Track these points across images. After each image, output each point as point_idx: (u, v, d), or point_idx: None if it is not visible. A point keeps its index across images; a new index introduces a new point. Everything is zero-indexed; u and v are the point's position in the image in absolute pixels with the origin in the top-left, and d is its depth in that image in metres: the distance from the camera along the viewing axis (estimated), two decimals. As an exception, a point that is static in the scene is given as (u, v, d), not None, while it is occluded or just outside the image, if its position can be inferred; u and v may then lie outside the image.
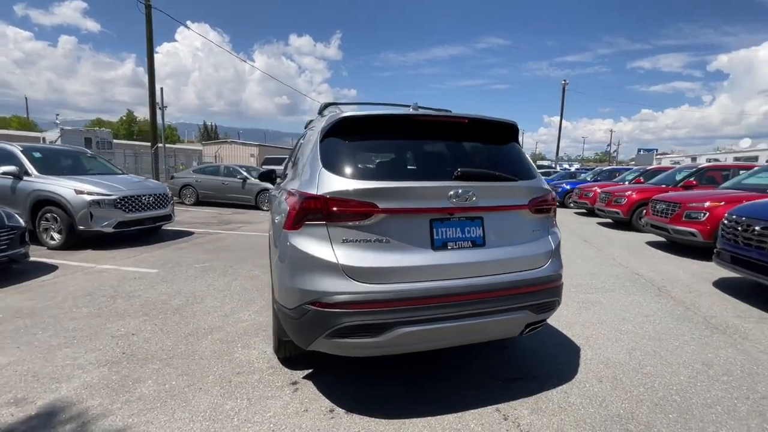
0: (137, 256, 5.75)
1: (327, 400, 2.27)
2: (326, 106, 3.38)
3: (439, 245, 2.05)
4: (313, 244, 1.98)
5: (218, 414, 2.12)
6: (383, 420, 2.09)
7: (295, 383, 2.45)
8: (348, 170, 2.04)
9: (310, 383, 2.45)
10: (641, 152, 52.48)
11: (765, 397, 2.35)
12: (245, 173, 12.40)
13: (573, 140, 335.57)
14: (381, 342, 1.95)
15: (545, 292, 2.23)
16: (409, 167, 2.23)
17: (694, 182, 8.93)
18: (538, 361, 2.76)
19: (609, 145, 57.97)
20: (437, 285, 1.99)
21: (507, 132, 2.43)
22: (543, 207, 2.32)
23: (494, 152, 2.39)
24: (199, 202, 12.71)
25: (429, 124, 2.25)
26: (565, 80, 30.82)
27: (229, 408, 2.17)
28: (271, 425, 2.04)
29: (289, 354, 2.57)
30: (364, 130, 2.20)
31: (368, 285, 1.93)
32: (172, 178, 13.40)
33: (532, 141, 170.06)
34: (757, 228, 3.89)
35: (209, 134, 76.92)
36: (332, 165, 2.06)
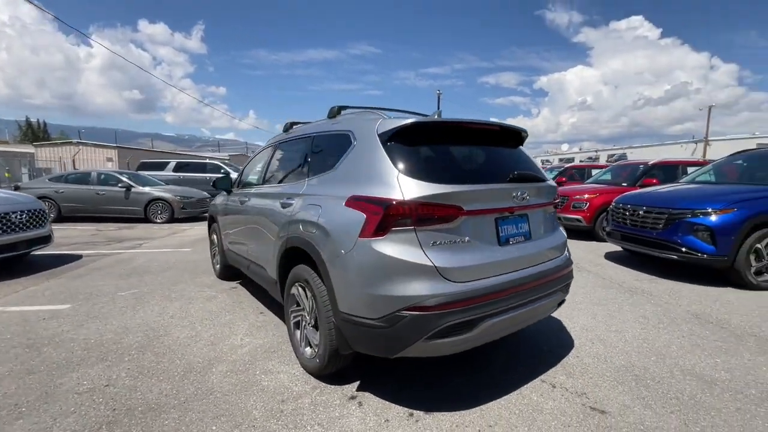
0: (23, 290, 4.45)
1: (398, 406, 2.25)
2: (291, 125, 3.53)
3: (504, 241, 2.26)
4: (404, 250, 1.97)
5: (299, 446, 1.92)
6: (465, 411, 2.19)
7: (353, 397, 2.35)
8: (428, 175, 2.07)
9: (368, 394, 2.38)
10: None
11: (688, 324, 3.21)
12: (128, 180, 10.47)
13: None
14: (471, 337, 2.06)
15: (569, 274, 2.64)
16: (473, 170, 2.37)
17: (564, 179, 11.11)
18: (544, 338, 3.20)
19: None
20: (508, 277, 2.19)
21: (520, 138, 2.78)
22: (557, 203, 2.74)
23: (515, 156, 2.70)
24: (62, 218, 10.23)
25: (474, 131, 2.43)
26: (439, 90, 34.23)
27: (306, 437, 1.99)
28: (364, 443, 1.95)
29: (337, 368, 2.44)
30: (428, 136, 2.25)
31: (461, 284, 2.01)
32: (17, 188, 10.44)
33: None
34: (640, 212, 5.16)
35: (35, 133, 61.29)
36: (410, 170, 2.07)
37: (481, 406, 2.24)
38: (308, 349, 2.61)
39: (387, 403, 2.29)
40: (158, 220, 10.24)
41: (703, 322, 3.47)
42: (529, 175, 2.45)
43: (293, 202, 2.73)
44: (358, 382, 2.50)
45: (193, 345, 3.07)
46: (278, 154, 3.52)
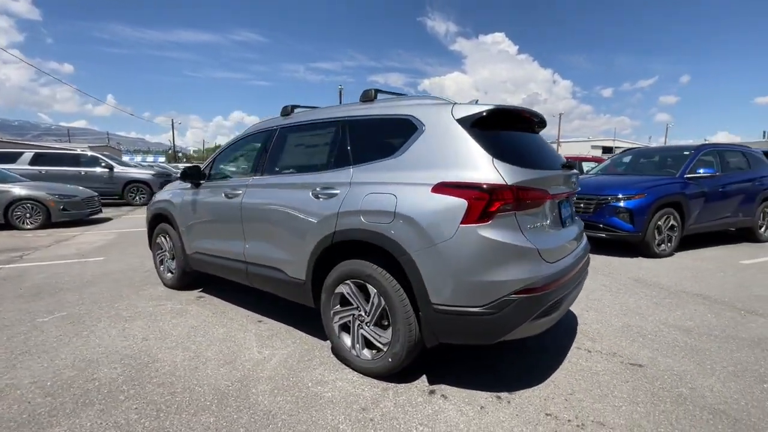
0: None
1: (481, 392, 2.26)
2: (293, 108, 3.25)
3: (564, 224, 2.43)
4: (509, 234, 1.98)
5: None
6: (540, 386, 2.31)
7: (432, 391, 2.27)
8: (515, 160, 2.10)
9: (443, 386, 2.32)
10: None
11: (637, 288, 3.93)
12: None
13: None
14: (555, 316, 2.18)
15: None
16: (539, 156, 2.43)
17: None
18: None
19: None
20: (573, 257, 2.38)
21: (543, 127, 2.97)
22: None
23: (546, 143, 2.89)
24: None
25: (528, 120, 2.53)
26: (341, 86, 34.16)
27: (418, 440, 1.86)
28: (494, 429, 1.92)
29: (407, 364, 2.31)
30: (502, 122, 2.26)
31: (553, 265, 2.11)
32: None
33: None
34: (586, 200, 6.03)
35: None
36: (501, 155, 2.07)
37: (550, 380, 2.39)
38: (366, 351, 2.42)
39: (468, 390, 2.27)
40: (27, 226, 8.04)
41: (645, 285, 4.27)
42: (571, 163, 2.69)
43: (338, 191, 2.46)
44: (423, 376, 2.42)
45: (203, 367, 2.56)
46: (287, 140, 3.11)
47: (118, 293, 4.06)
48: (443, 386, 2.32)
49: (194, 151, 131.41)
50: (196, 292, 4.09)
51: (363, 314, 2.41)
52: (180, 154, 66.72)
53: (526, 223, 2.06)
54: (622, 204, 5.42)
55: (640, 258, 5.51)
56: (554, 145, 49.92)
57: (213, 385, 2.35)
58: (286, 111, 3.21)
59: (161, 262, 4.31)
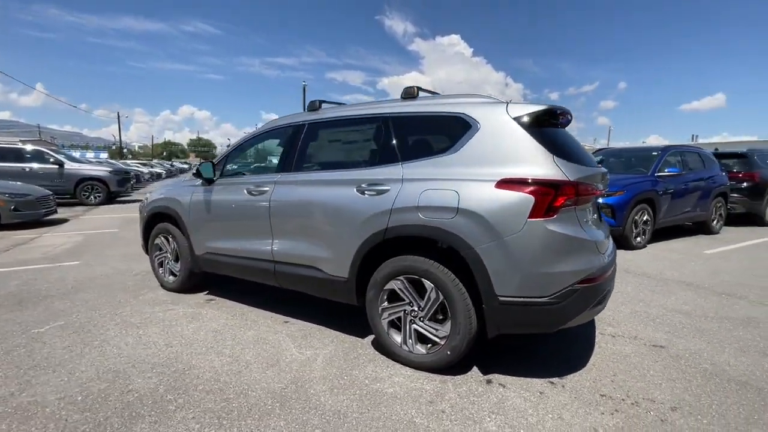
0: None
1: (535, 379, 2.36)
2: (320, 103, 3.18)
3: (600, 219, 2.60)
4: (571, 227, 2.09)
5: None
6: (583, 371, 2.47)
7: (490, 381, 2.34)
8: (569, 156, 2.22)
9: (497, 375, 2.40)
10: None
11: (628, 277, 4.27)
12: None
13: None
14: (605, 304, 2.33)
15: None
16: (582, 154, 2.55)
17: None
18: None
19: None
20: (612, 249, 2.55)
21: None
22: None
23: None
24: None
25: (564, 118, 2.65)
26: (304, 82, 33.39)
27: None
28: (560, 420, 2.02)
29: (460, 358, 2.36)
30: (551, 121, 2.37)
31: (604, 255, 2.26)
32: None
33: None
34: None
35: None
36: (558, 152, 2.18)
37: (591, 365, 2.55)
38: (420, 346, 2.44)
39: (522, 378, 2.37)
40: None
41: (635, 275, 4.63)
42: (600, 160, 2.87)
43: (388, 188, 2.46)
44: (474, 368, 2.49)
45: (247, 371, 2.46)
46: (319, 136, 3.03)
47: (114, 299, 3.76)
48: (497, 375, 2.40)
49: (140, 147, 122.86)
50: (202, 295, 3.88)
51: (416, 309, 2.43)
52: (125, 150, 62.01)
53: (582, 216, 2.20)
54: (606, 200, 5.83)
55: (620, 250, 5.95)
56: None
57: (266, 389, 2.26)
58: (314, 106, 3.14)
59: (160, 264, 4.04)
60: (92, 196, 12.01)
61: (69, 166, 11.84)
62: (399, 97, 2.80)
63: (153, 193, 4.20)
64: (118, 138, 51.05)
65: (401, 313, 2.50)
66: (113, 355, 2.65)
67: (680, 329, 3.10)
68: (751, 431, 1.91)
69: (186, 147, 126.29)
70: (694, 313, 3.44)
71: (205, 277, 3.96)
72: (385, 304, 2.55)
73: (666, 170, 6.43)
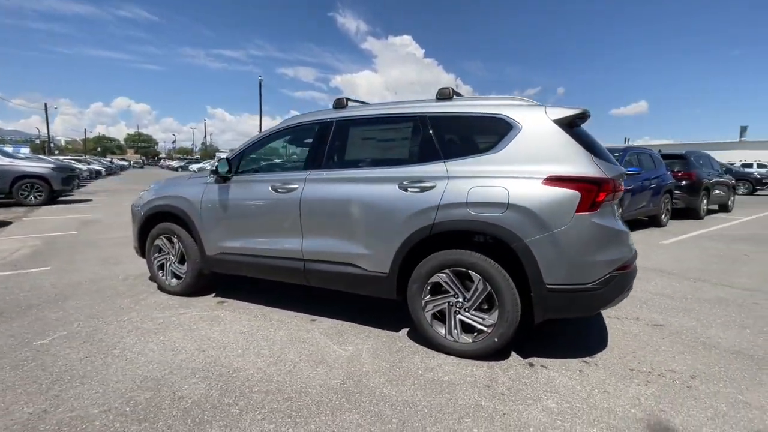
0: None
1: (571, 359, 2.58)
2: (347, 101, 3.19)
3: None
4: (611, 220, 2.33)
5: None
6: (605, 352, 2.73)
7: (532, 365, 2.52)
8: (602, 155, 2.45)
9: (535, 358, 2.58)
10: None
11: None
12: None
13: (240, 134, 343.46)
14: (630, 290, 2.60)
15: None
16: (607, 154, 2.77)
17: None
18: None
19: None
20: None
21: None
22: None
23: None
24: None
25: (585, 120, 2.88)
26: (260, 76, 32.28)
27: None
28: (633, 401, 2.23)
29: (506, 344, 2.52)
30: (581, 123, 2.59)
31: (632, 245, 2.52)
32: None
33: (198, 132, 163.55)
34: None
35: None
36: (593, 151, 2.39)
37: (611, 344, 2.82)
38: (464, 335, 2.57)
39: (558, 359, 2.57)
40: None
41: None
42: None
43: (434, 184, 2.55)
44: (513, 353, 2.65)
45: (297, 370, 2.44)
46: (350, 133, 3.03)
47: (112, 305, 3.50)
48: (535, 359, 2.59)
49: (67, 142, 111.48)
50: (211, 298, 3.73)
51: (461, 300, 2.55)
52: (52, 146, 55.94)
53: (616, 210, 2.44)
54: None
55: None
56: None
57: (324, 385, 2.27)
58: (342, 104, 3.14)
59: (161, 267, 3.81)
60: (32, 196, 10.82)
61: (2, 161, 10.58)
62: (400, 97, 2.90)
63: (148, 191, 3.95)
64: (42, 131, 45.96)
65: (445, 305, 2.60)
66: (143, 363, 2.50)
67: (670, 310, 3.51)
68: (757, 390, 2.25)
69: (123, 142, 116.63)
70: (676, 296, 3.90)
71: (213, 279, 3.81)
72: (429, 297, 2.64)
73: (627, 169, 7.10)
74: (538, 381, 2.32)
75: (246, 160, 3.44)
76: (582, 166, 2.33)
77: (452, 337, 2.59)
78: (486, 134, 2.60)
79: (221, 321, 3.19)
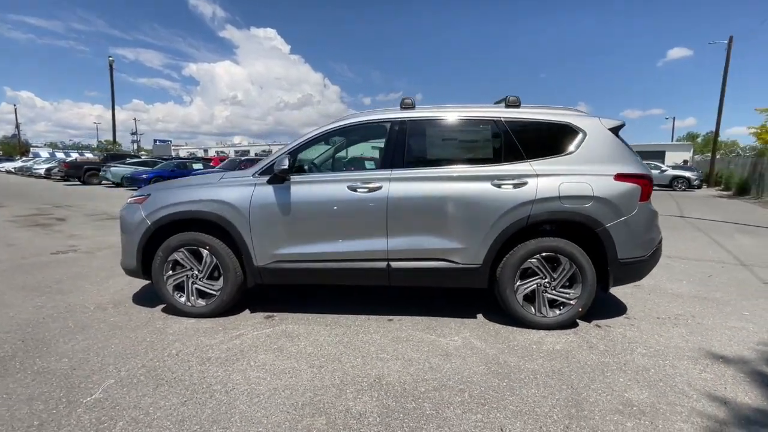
0: None
1: (620, 318, 3.26)
2: (411, 101, 3.21)
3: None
4: (654, 207, 3.04)
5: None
6: (612, 312, 3.53)
7: (599, 326, 3.10)
8: (639, 158, 3.17)
9: (601, 321, 3.18)
10: (158, 143, 55.22)
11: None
12: None
13: (56, 124, 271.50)
14: None
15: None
16: None
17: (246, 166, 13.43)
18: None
19: (134, 132, 56.06)
20: None
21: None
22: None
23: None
24: None
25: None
26: (111, 57, 26.67)
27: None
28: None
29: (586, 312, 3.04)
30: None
31: None
32: None
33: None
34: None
35: None
36: (636, 155, 3.09)
37: (629, 306, 3.64)
38: (553, 310, 2.99)
39: (611, 320, 3.22)
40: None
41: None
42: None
43: (526, 181, 2.89)
44: (578, 321, 3.20)
45: (438, 366, 2.48)
46: (426, 134, 3.11)
47: (128, 340, 2.80)
48: (597, 321, 3.18)
49: None
50: (248, 315, 3.29)
51: (549, 280, 2.97)
52: None
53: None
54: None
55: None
56: (343, 145, 55.48)
57: (477, 371, 2.40)
58: (410, 104, 3.18)
59: (178, 287, 3.18)
60: None
61: None
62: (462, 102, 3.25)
63: (156, 196, 3.22)
64: None
65: (534, 286, 2.99)
66: (266, 394, 2.18)
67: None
68: (731, 314, 3.30)
69: None
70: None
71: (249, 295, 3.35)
72: (519, 281, 2.98)
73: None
74: (617, 338, 2.91)
75: (305, 160, 3.17)
76: (636, 166, 3.01)
77: (541, 313, 3.00)
78: (559, 138, 3.05)
79: (297, 335, 2.90)
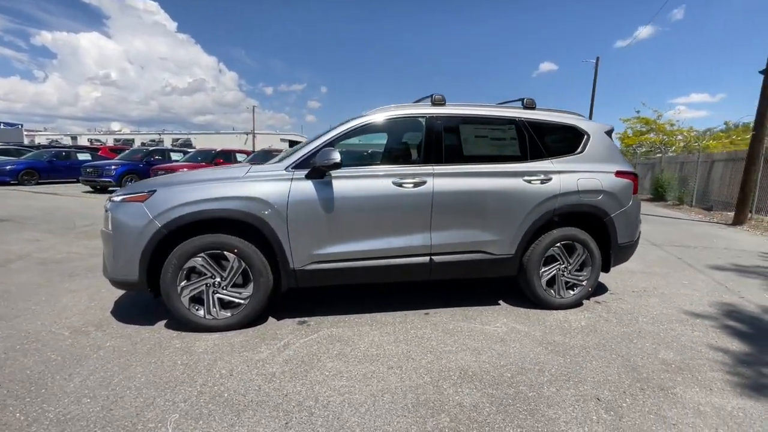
0: None
1: (595, 301, 3.81)
2: (442, 97, 3.25)
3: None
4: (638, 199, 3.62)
5: None
6: (610, 289, 4.15)
7: (598, 302, 3.59)
8: (622, 157, 3.72)
9: (600, 297, 3.68)
10: (2, 126, 45.02)
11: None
12: None
13: None
14: None
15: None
16: None
17: (221, 160, 12.51)
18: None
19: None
20: None
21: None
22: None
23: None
24: None
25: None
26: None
27: None
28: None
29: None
30: None
31: None
32: None
33: None
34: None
35: None
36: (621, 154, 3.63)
37: (613, 286, 4.26)
38: (568, 291, 3.37)
39: (610, 295, 3.76)
40: None
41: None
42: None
43: (552, 177, 3.19)
44: (583, 303, 3.66)
45: (509, 352, 2.62)
46: (460, 131, 3.15)
47: (162, 362, 2.36)
48: (597, 298, 3.68)
49: None
50: (275, 322, 3.00)
51: (567, 265, 3.34)
52: None
53: (633, 194, 3.79)
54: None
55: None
56: (249, 136, 51.66)
57: (546, 353, 2.61)
58: (441, 101, 3.23)
59: (196, 299, 2.75)
60: None
61: None
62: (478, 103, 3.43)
63: (165, 193, 2.70)
64: None
65: (555, 271, 3.33)
66: (359, 401, 2.07)
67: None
68: (692, 269, 4.11)
69: None
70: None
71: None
72: (543, 268, 3.30)
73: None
74: (618, 311, 3.41)
75: (349, 155, 2.98)
76: (627, 164, 3.54)
77: (560, 295, 3.36)
78: (569, 139, 3.42)
79: (349, 339, 2.76)
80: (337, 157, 2.72)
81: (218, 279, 2.76)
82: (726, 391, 2.24)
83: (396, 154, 3.49)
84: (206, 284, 2.75)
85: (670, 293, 3.90)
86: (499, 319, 3.16)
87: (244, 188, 2.75)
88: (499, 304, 3.47)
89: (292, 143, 60.23)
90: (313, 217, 2.82)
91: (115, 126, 57.91)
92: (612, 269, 3.55)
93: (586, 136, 3.46)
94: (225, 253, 2.73)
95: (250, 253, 2.76)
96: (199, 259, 2.70)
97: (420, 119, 3.17)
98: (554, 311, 3.32)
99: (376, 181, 2.94)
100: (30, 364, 2.33)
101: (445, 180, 3.04)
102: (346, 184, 2.88)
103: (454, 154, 3.17)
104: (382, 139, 3.86)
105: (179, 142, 50.37)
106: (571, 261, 3.35)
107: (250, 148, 36.73)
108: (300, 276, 2.87)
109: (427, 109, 3.19)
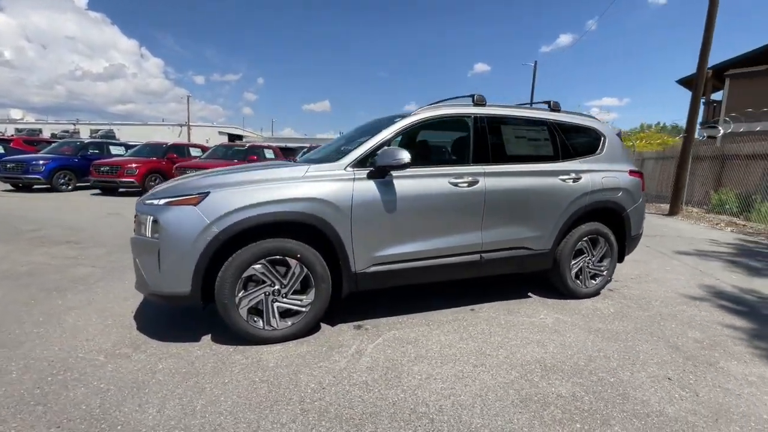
0: None
1: (628, 282, 4.18)
2: (483, 97, 3.30)
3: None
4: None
5: None
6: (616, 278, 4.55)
7: (611, 290, 3.92)
8: (625, 156, 4.08)
9: (614, 285, 4.02)
10: None
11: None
12: None
13: None
14: None
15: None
16: None
17: (174, 156, 11.88)
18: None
19: None
20: None
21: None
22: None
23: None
24: None
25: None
26: None
27: None
28: None
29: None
30: None
31: None
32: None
33: None
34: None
35: None
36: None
37: (616, 274, 4.66)
38: (591, 281, 3.65)
39: (618, 283, 4.12)
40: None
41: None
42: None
43: (582, 176, 3.40)
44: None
45: (585, 345, 2.77)
46: (501, 131, 3.23)
47: (239, 381, 2.16)
48: (613, 285, 4.02)
49: None
50: (331, 329, 2.87)
51: (592, 257, 3.61)
52: None
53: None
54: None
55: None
56: (183, 129, 47.86)
57: (606, 346, 2.80)
58: (481, 101, 3.29)
59: (254, 310, 2.55)
60: None
61: None
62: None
63: (222, 196, 2.43)
64: None
65: (582, 263, 3.58)
66: (476, 399, 2.09)
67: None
68: (674, 258, 4.64)
69: None
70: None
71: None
72: (573, 261, 3.53)
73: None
74: (631, 296, 3.76)
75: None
76: (632, 164, 3.90)
77: (586, 285, 3.62)
78: (589, 140, 3.68)
79: (416, 340, 2.73)
80: (406, 157, 2.65)
81: (278, 286, 2.57)
82: (755, 362, 2.60)
83: (447, 153, 3.50)
84: (265, 293, 2.55)
85: (661, 278, 4.38)
86: (540, 311, 3.32)
87: (307, 189, 2.58)
88: (530, 297, 3.65)
89: (232, 137, 56.79)
90: (377, 217, 2.73)
91: (16, 114, 50.06)
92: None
93: (603, 138, 3.74)
94: (286, 259, 2.55)
95: (312, 257, 2.60)
96: (259, 266, 2.50)
97: (466, 119, 3.21)
98: (582, 300, 3.58)
99: (434, 181, 2.93)
100: (80, 397, 1.99)
101: (494, 179, 3.11)
102: (407, 183, 2.84)
103: (499, 154, 3.26)
104: (423, 138, 3.78)
105: (99, 133, 45.01)
106: (594, 253, 3.62)
107: (184, 141, 34.02)
108: (361, 279, 2.77)
109: (472, 109, 3.24)
